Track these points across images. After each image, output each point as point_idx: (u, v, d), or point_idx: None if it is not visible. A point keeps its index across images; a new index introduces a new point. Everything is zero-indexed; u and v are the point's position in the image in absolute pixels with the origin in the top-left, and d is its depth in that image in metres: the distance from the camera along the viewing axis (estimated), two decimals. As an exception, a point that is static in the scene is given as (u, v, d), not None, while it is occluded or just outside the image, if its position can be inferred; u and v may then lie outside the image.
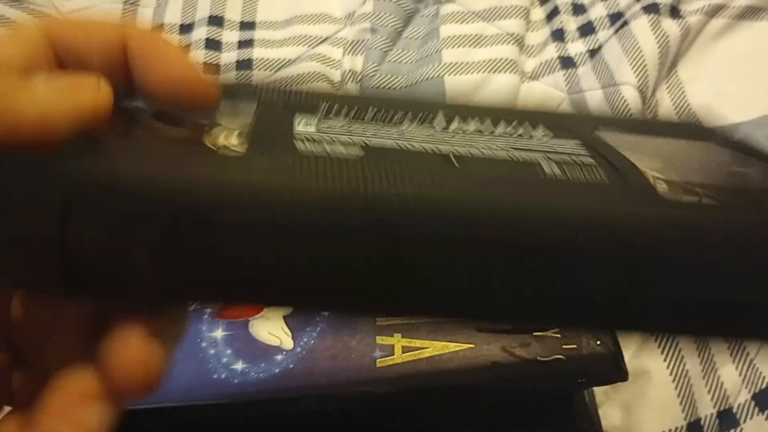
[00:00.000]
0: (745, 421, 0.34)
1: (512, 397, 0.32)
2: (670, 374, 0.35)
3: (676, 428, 0.34)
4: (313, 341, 0.29)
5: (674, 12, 0.50)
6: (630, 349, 0.35)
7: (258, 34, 0.57)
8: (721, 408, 0.35)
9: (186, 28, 0.57)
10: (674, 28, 0.48)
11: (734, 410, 0.35)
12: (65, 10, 0.57)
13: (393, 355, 0.29)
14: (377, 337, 0.29)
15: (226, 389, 0.28)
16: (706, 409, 0.35)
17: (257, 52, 0.55)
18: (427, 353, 0.29)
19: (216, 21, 0.57)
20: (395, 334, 0.29)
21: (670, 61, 0.48)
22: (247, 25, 0.58)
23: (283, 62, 0.54)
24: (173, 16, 0.58)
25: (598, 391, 0.35)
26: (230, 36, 0.56)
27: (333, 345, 0.29)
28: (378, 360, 0.28)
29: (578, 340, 0.29)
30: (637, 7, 0.50)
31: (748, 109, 0.45)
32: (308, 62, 0.53)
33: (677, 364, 0.35)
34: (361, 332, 0.30)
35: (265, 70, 0.53)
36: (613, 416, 0.35)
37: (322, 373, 0.28)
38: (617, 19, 0.51)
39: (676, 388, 0.35)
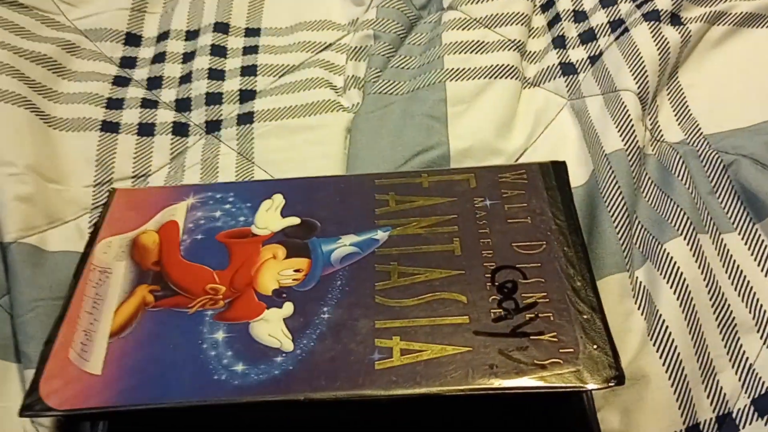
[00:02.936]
0: (744, 427, 0.34)
1: (509, 401, 0.32)
2: (669, 378, 0.35)
3: (675, 432, 0.34)
4: (312, 343, 0.30)
5: (675, 19, 0.50)
6: (628, 353, 0.35)
7: (263, 40, 0.57)
8: (720, 413, 0.35)
9: (192, 35, 0.58)
10: (675, 35, 0.49)
11: (734, 415, 0.35)
12: (72, 17, 0.58)
13: (391, 357, 0.29)
14: (376, 340, 0.29)
15: (227, 390, 0.28)
16: (705, 414, 0.35)
17: (262, 58, 0.55)
18: (425, 356, 0.29)
19: (221, 28, 0.58)
20: (394, 337, 0.30)
21: (670, 68, 0.49)
22: (252, 32, 0.58)
23: (287, 68, 0.54)
24: (179, 22, 0.59)
25: (597, 395, 0.35)
26: (235, 42, 0.57)
27: (332, 347, 0.29)
28: (376, 362, 0.29)
29: (575, 344, 0.29)
30: (638, 14, 0.50)
31: (748, 116, 0.45)
32: (312, 68, 0.54)
33: (676, 368, 0.35)
34: (360, 335, 0.30)
35: (269, 75, 0.54)
36: (611, 420, 0.35)
37: (320, 375, 0.29)
38: (618, 26, 0.52)
39: (674, 392, 0.35)
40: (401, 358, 0.29)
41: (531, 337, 0.29)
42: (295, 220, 0.35)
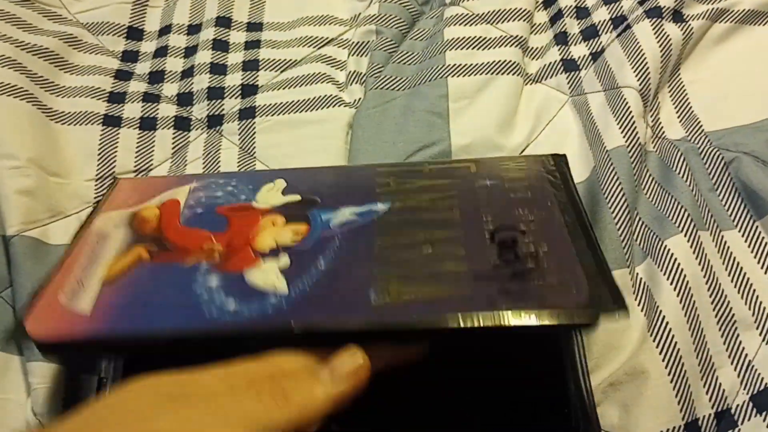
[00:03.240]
0: (743, 423, 0.35)
1: (507, 397, 0.32)
2: (668, 374, 0.35)
3: (674, 428, 0.34)
4: (308, 288, 0.29)
5: (677, 16, 0.50)
6: (628, 348, 0.36)
7: (265, 35, 0.57)
8: (719, 409, 0.35)
9: (194, 29, 0.58)
10: (677, 31, 0.49)
11: (732, 411, 0.35)
12: (75, 11, 0.58)
13: (389, 296, 0.28)
14: (373, 283, 0.29)
15: (218, 326, 0.28)
16: (704, 410, 0.35)
17: (264, 53, 0.56)
18: (423, 295, 0.28)
19: (224, 22, 0.58)
20: (391, 281, 0.29)
21: (672, 65, 0.49)
22: (254, 26, 0.58)
23: (289, 62, 0.54)
24: (181, 16, 0.59)
25: (597, 390, 0.35)
26: (237, 37, 0.57)
27: (328, 289, 0.29)
28: (373, 299, 0.28)
29: (579, 286, 0.28)
30: (640, 11, 0.50)
31: (750, 113, 0.45)
32: (314, 63, 0.54)
33: (675, 364, 0.35)
34: (357, 280, 0.29)
35: (271, 70, 0.54)
36: (611, 415, 0.35)
37: (314, 311, 0.28)
38: (620, 22, 0.52)
39: (674, 388, 0.35)
40: (399, 296, 0.28)
41: (533, 281, 0.28)
42: (295, 197, 0.36)
